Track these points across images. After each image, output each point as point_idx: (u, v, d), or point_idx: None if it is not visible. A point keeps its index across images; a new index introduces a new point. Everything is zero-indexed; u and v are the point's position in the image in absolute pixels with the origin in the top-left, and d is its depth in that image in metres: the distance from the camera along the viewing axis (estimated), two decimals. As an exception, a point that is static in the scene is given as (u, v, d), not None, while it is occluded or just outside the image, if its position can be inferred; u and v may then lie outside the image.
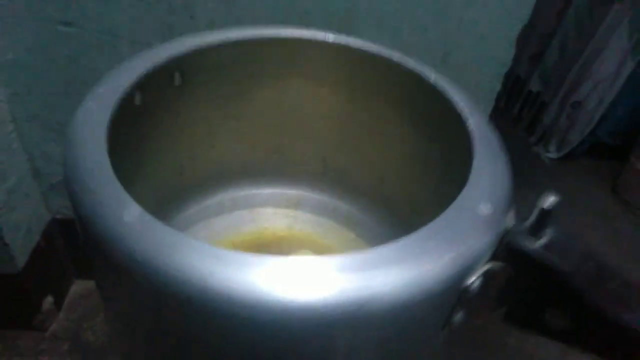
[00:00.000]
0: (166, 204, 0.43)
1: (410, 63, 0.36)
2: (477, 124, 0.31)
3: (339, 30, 0.63)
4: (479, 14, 0.64)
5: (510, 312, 0.26)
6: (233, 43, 0.36)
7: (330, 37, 0.38)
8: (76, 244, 0.86)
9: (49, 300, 0.84)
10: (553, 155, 1.49)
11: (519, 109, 1.57)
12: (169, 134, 0.39)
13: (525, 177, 1.41)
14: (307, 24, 0.62)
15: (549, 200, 0.23)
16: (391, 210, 0.46)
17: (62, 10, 0.60)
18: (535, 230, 0.23)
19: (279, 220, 0.48)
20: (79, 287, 0.93)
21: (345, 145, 0.46)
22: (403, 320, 0.21)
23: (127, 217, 0.21)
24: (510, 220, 0.26)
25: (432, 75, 0.35)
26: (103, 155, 0.24)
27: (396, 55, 0.37)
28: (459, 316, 0.24)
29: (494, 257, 0.24)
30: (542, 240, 0.23)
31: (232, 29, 0.38)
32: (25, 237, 0.75)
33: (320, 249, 0.45)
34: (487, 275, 0.24)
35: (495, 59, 0.68)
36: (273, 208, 0.48)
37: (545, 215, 0.23)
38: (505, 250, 0.24)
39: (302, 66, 0.40)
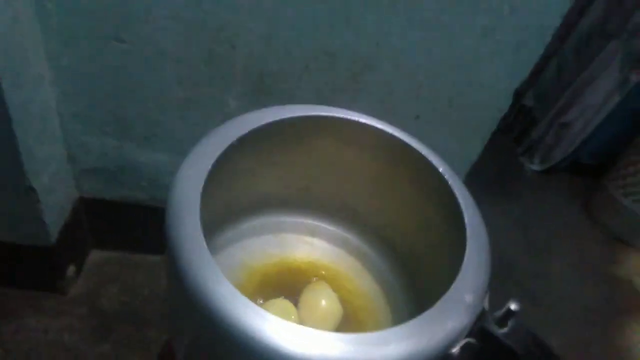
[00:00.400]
0: (211, 227, 0.53)
1: (425, 151, 0.46)
2: (471, 217, 0.40)
3: (361, 68, 0.71)
4: (485, 68, 0.73)
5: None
6: (284, 121, 0.45)
7: (360, 118, 0.47)
8: (96, 218, 0.95)
9: (71, 268, 0.93)
10: (536, 167, 1.60)
11: (511, 120, 1.67)
12: (221, 183, 0.47)
13: (507, 187, 1.53)
14: (334, 63, 0.70)
15: (514, 304, 0.33)
16: (393, 249, 0.56)
17: (117, 29, 0.66)
18: (501, 320, 0.34)
19: (300, 246, 0.57)
20: (95, 256, 1.02)
21: (361, 192, 0.55)
22: None
23: (220, 291, 0.31)
24: (485, 303, 0.36)
25: (441, 167, 0.44)
26: (201, 238, 0.33)
27: (415, 144, 0.46)
28: None
29: (470, 334, 0.34)
30: (505, 329, 0.34)
31: (281, 109, 0.46)
32: (58, 215, 0.84)
33: (332, 273, 0.55)
34: (464, 347, 0.34)
35: (495, 106, 0.77)
36: (295, 234, 0.58)
37: (510, 313, 0.34)
38: (479, 330, 0.34)
39: (334, 133, 0.49)
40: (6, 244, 0.82)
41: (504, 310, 0.34)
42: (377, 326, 0.52)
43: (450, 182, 0.43)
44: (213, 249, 0.53)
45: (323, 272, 0.55)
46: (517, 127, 1.66)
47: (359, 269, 0.56)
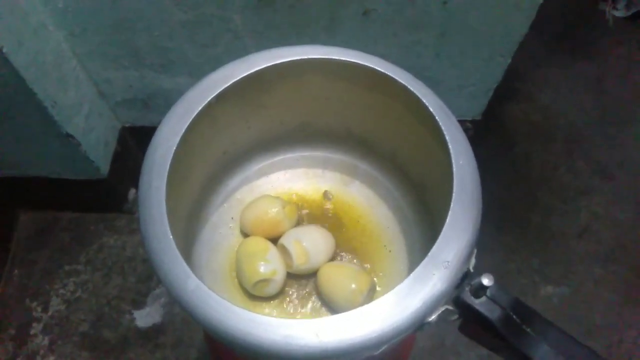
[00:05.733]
0: (215, 176, 0.53)
1: (415, 86, 0.40)
2: (462, 167, 0.36)
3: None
4: None
5: (462, 326, 0.36)
6: (263, 70, 0.41)
7: (341, 56, 0.42)
8: (143, 143, 0.99)
9: (132, 191, 1.01)
10: (620, 13, 1.37)
11: (591, -42, 1.40)
12: (211, 133, 0.46)
13: (582, 42, 1.34)
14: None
15: (486, 279, 0.31)
16: (405, 176, 0.53)
17: (99, -38, 0.62)
18: (476, 292, 0.32)
19: (310, 179, 0.56)
20: (154, 175, 1.10)
21: (365, 120, 0.51)
22: (386, 342, 0.32)
23: (190, 287, 0.32)
24: (470, 264, 0.34)
25: (433, 106, 0.39)
26: (169, 238, 0.33)
27: (403, 77, 0.40)
28: (423, 328, 0.35)
29: (448, 302, 0.33)
30: (483, 298, 0.32)
31: (262, 55, 0.42)
32: (105, 149, 0.88)
33: (344, 204, 0.55)
34: (442, 314, 0.33)
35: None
36: (304, 168, 0.56)
37: (483, 288, 0.31)
38: (455, 299, 0.33)
39: (320, 72, 0.44)
40: (69, 180, 0.90)
41: (477, 283, 0.32)
42: (390, 257, 0.52)
43: (441, 123, 0.38)
44: (222, 197, 0.54)
45: (334, 204, 0.55)
46: (598, -34, 1.40)
47: (372, 197, 0.55)
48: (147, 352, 0.90)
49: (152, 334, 0.92)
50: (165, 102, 0.88)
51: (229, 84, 0.41)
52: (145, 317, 0.93)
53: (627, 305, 0.94)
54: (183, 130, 0.39)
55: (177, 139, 0.38)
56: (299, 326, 0.31)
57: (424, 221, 0.51)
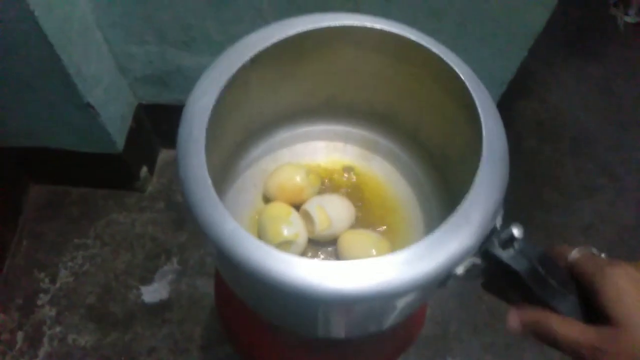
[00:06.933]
0: (241, 144, 0.54)
1: (445, 54, 0.41)
2: (490, 130, 0.37)
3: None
4: None
5: (486, 283, 0.37)
6: (299, 35, 0.42)
7: (375, 24, 0.43)
8: (158, 121, 1.00)
9: (144, 169, 1.02)
10: (632, 19, 1.40)
11: (603, -36, 1.42)
12: (243, 97, 0.47)
13: (591, 45, 1.36)
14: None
15: (516, 230, 0.32)
16: (426, 152, 0.54)
17: None
18: (505, 244, 0.33)
19: (331, 152, 0.57)
20: (164, 155, 1.10)
21: (389, 96, 0.52)
22: (415, 290, 0.33)
23: (228, 229, 0.33)
24: (497, 221, 0.35)
25: (462, 73, 0.40)
26: (208, 182, 0.34)
27: (435, 46, 0.42)
28: (449, 283, 0.36)
29: (476, 254, 0.34)
30: (510, 250, 0.33)
31: (293, 21, 0.43)
32: (121, 123, 0.89)
33: (365, 178, 0.56)
34: (469, 267, 0.34)
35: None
36: (326, 142, 0.57)
37: (513, 239, 0.32)
38: (484, 251, 0.34)
39: (352, 41, 0.46)
40: (83, 154, 0.91)
41: (506, 234, 0.33)
42: (409, 231, 0.53)
43: (468, 85, 0.40)
44: (245, 163, 0.55)
45: (355, 177, 0.56)
46: (610, -27, 1.42)
47: (392, 172, 0.56)
48: (154, 326, 0.90)
49: (158, 310, 0.92)
50: (184, 80, 0.89)
51: (267, 44, 0.42)
52: (153, 292, 0.94)
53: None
54: (221, 87, 0.40)
55: (215, 95, 0.39)
56: (335, 268, 0.32)
57: (443, 197, 0.53)
